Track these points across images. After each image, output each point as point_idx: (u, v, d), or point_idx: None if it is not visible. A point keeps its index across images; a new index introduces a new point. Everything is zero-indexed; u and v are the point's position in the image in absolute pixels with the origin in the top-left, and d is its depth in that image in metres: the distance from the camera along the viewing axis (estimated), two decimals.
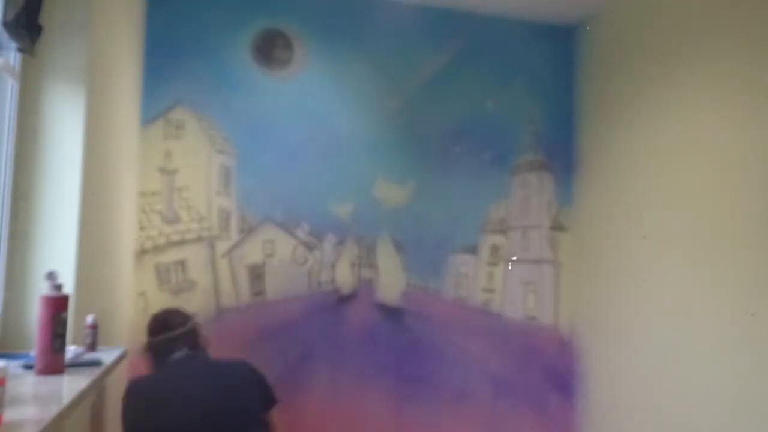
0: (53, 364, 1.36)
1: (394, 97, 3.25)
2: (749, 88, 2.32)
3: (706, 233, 2.48)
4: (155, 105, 2.90)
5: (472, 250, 3.31)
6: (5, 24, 1.51)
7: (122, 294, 2.62)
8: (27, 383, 1.27)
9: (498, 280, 3.32)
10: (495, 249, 3.33)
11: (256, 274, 3.00)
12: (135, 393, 1.96)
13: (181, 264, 2.89)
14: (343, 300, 3.12)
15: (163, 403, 1.92)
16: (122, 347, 1.94)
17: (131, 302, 2.79)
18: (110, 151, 2.24)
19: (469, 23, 3.37)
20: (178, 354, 2.09)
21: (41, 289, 1.53)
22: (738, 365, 2.29)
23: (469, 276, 3.29)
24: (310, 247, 3.09)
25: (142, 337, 2.74)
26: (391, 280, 3.19)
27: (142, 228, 2.84)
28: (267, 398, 2.09)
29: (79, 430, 1.76)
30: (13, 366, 1.38)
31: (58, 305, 1.37)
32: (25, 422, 0.99)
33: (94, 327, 1.69)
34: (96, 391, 1.47)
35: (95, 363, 1.51)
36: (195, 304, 2.88)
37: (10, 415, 1.02)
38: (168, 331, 2.16)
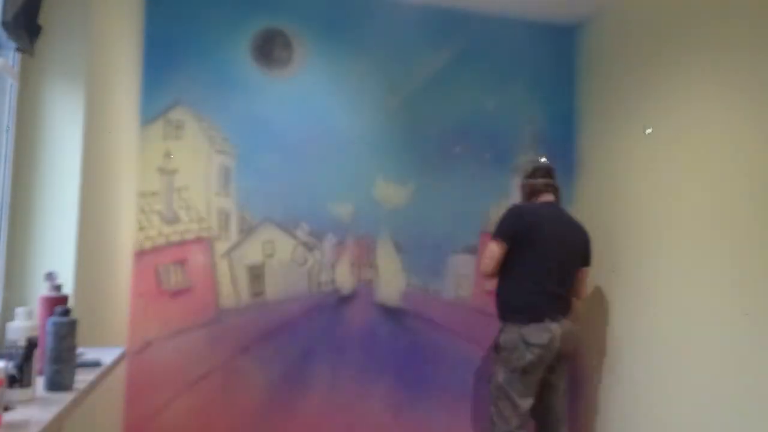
0: None
1: (394, 97, 3.25)
2: (751, 85, 2.31)
3: (709, 231, 2.48)
4: (155, 105, 2.90)
5: (472, 250, 3.30)
6: (4, 24, 1.51)
7: (122, 294, 2.62)
8: None
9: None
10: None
11: (256, 274, 3.00)
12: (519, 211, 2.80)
13: (181, 264, 2.89)
14: (343, 300, 3.11)
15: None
16: (122, 347, 1.94)
17: (131, 302, 2.78)
18: (110, 151, 2.23)
19: (470, 23, 3.36)
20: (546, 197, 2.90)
21: (41, 289, 1.54)
22: (743, 365, 2.28)
23: (469, 276, 3.29)
24: (310, 248, 3.08)
25: (141, 337, 2.77)
26: (391, 281, 3.19)
27: (141, 228, 2.84)
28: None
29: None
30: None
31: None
32: (25, 422, 0.99)
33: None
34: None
35: (95, 363, 1.51)
36: (194, 304, 2.88)
37: (11, 415, 1.02)
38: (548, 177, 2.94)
